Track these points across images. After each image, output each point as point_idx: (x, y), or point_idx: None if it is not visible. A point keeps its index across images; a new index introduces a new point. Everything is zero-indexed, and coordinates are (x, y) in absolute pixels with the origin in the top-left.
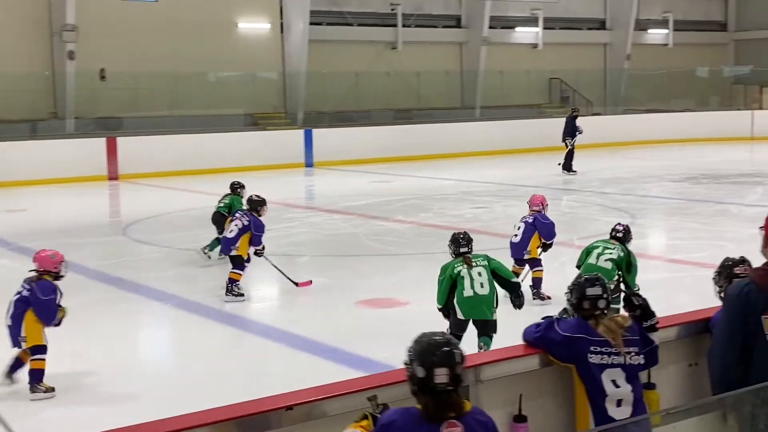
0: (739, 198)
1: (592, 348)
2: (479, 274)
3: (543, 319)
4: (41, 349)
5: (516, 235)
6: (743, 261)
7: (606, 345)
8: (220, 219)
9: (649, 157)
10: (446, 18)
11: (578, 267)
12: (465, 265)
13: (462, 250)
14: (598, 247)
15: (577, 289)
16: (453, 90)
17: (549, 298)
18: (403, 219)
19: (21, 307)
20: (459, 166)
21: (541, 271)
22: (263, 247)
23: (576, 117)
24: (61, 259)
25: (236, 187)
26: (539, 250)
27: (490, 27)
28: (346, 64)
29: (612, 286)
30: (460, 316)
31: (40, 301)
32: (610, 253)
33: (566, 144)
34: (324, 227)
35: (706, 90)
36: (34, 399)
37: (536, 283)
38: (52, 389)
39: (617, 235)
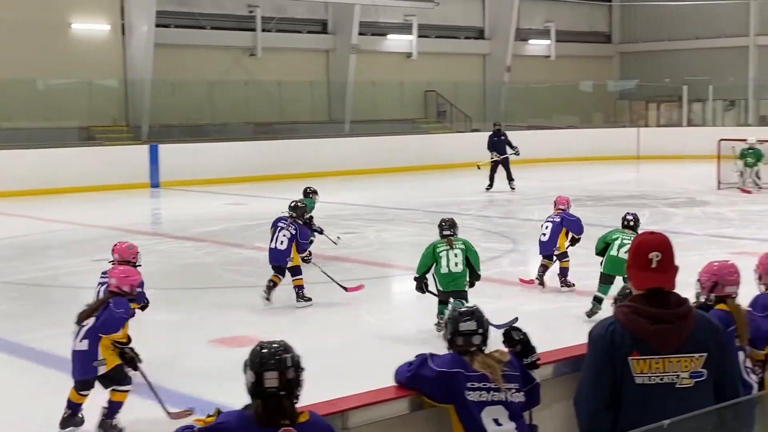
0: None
1: (469, 384)
2: (455, 255)
3: (416, 357)
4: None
5: (544, 234)
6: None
7: (484, 380)
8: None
9: (531, 177)
10: (311, 22)
11: (598, 254)
12: (447, 246)
13: (445, 233)
14: (617, 237)
15: (451, 323)
16: (319, 102)
17: (573, 285)
18: (262, 246)
19: (95, 332)
20: (326, 187)
21: (568, 261)
22: (310, 253)
23: (499, 131)
24: (137, 250)
25: (309, 193)
26: (567, 244)
27: (360, 33)
28: (198, 72)
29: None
30: (439, 287)
31: (114, 313)
32: (629, 244)
33: (513, 154)
34: (173, 256)
35: (590, 105)
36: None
37: (563, 272)
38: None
39: (630, 224)
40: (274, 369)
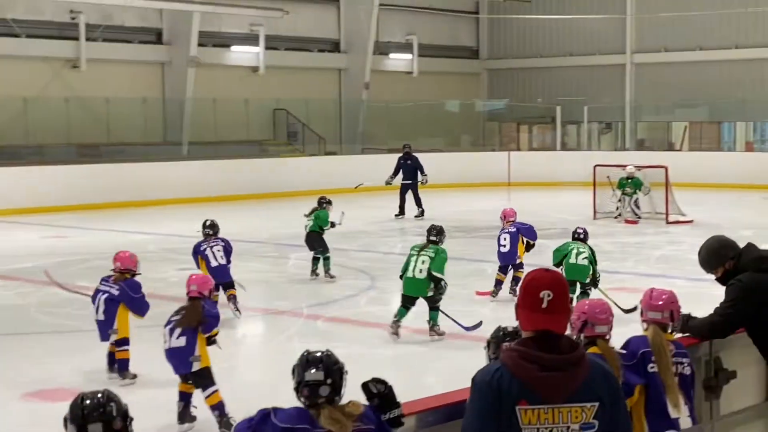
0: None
1: None
2: (422, 261)
3: (258, 411)
4: (126, 341)
5: (504, 246)
6: (516, 333)
7: None
8: (316, 238)
9: (392, 206)
10: (143, 31)
11: (556, 265)
12: (417, 251)
13: (431, 237)
14: (573, 248)
15: (296, 370)
16: (153, 121)
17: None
18: (86, 286)
19: (112, 304)
20: (161, 217)
21: (523, 272)
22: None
23: (408, 154)
24: (137, 258)
25: (323, 203)
26: (524, 253)
27: (200, 45)
28: (10, 86)
29: (589, 280)
30: (402, 290)
31: (133, 297)
32: (584, 252)
33: (389, 181)
34: None
35: (456, 127)
36: (123, 385)
37: (517, 280)
38: (135, 376)
39: (580, 236)
40: (97, 421)
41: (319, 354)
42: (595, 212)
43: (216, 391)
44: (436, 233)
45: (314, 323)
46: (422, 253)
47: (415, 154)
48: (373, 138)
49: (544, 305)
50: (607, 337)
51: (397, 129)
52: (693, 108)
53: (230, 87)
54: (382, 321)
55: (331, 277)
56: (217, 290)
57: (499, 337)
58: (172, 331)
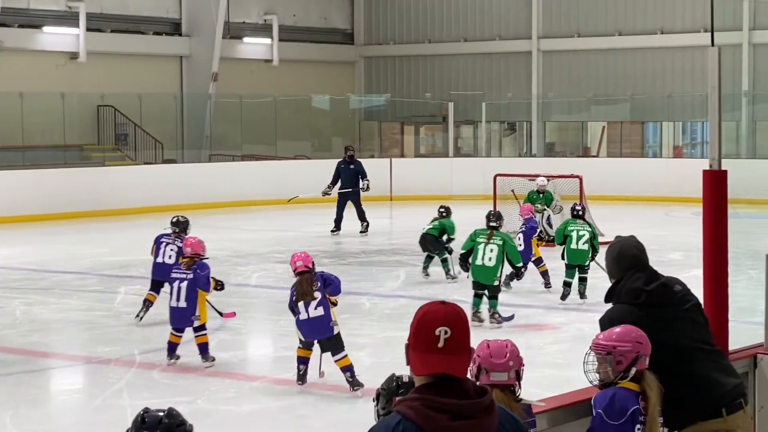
0: (375, 286)
1: None
2: (491, 249)
3: None
4: (204, 326)
5: (520, 245)
6: (412, 384)
7: None
8: (432, 240)
9: (245, 226)
10: None
11: (560, 244)
12: (485, 239)
13: (490, 224)
14: (572, 230)
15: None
16: None
17: (551, 286)
18: None
19: (192, 289)
20: None
21: (545, 265)
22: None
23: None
24: (204, 244)
25: (442, 212)
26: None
27: (2, 25)
28: None
29: (588, 263)
30: (470, 277)
31: (200, 276)
32: (585, 235)
33: (326, 191)
34: None
35: (326, 128)
36: (208, 367)
37: (544, 275)
38: (214, 359)
39: (579, 213)
40: None
41: (159, 414)
42: None
43: (346, 354)
44: (495, 218)
45: (150, 373)
46: (490, 241)
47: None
48: (223, 142)
49: (441, 344)
50: (513, 386)
51: (253, 131)
52: (611, 105)
53: (42, 78)
54: (234, 370)
55: (453, 278)
56: (155, 290)
57: (392, 388)
58: (307, 304)
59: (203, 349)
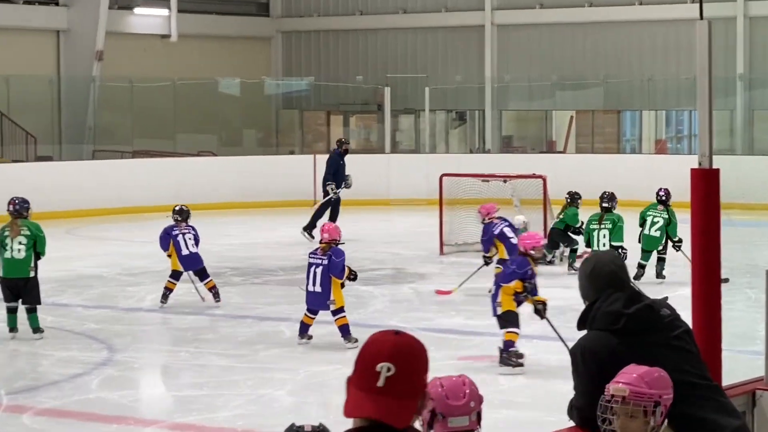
0: (297, 310)
1: None
2: (603, 236)
3: None
4: (343, 309)
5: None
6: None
7: None
8: (559, 234)
9: (137, 237)
10: None
11: (640, 226)
12: (597, 224)
13: (603, 204)
14: (649, 215)
15: None
16: None
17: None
18: None
19: (327, 275)
20: None
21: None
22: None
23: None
24: (341, 230)
25: (567, 199)
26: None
27: None
28: None
29: (661, 247)
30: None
31: (335, 262)
32: (658, 222)
33: (327, 191)
34: None
35: (236, 118)
36: (351, 347)
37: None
38: (356, 340)
39: (662, 198)
40: None
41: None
42: (442, 244)
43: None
44: (608, 199)
45: (19, 418)
46: (602, 226)
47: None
48: (110, 135)
49: (380, 383)
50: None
51: (146, 122)
52: (581, 90)
53: None
54: (124, 413)
55: (575, 269)
56: (175, 278)
57: None
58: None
59: (344, 330)
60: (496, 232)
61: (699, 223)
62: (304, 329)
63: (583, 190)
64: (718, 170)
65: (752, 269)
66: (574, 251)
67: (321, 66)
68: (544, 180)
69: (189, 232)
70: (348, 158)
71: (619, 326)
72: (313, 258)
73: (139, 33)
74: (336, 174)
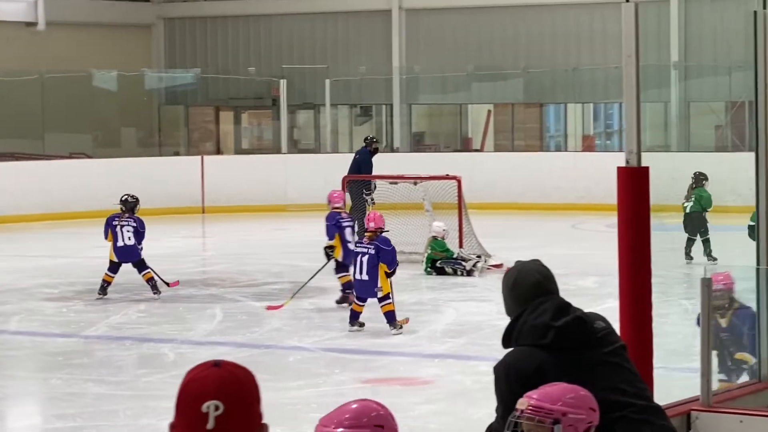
0: (183, 330)
1: None
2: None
3: None
4: (389, 295)
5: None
6: None
7: None
8: (699, 219)
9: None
10: None
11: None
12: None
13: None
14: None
15: None
16: None
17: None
18: None
19: (374, 263)
20: None
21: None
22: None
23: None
24: (384, 219)
25: (702, 179)
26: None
27: None
28: None
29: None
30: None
31: (386, 250)
32: (689, 206)
33: (366, 199)
34: None
35: (114, 115)
36: (396, 333)
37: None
38: (407, 320)
39: (701, 178)
40: None
41: None
42: None
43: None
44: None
45: None
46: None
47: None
48: None
49: (210, 425)
50: None
51: (10, 120)
52: (499, 82)
53: None
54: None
55: (714, 259)
56: (112, 271)
57: None
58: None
59: (390, 317)
60: (344, 224)
61: (626, 227)
62: (354, 317)
63: (503, 193)
64: (647, 168)
65: (687, 278)
66: (707, 241)
67: (208, 57)
68: (459, 181)
69: (128, 224)
70: (239, 159)
71: (547, 341)
72: (360, 247)
73: (0, 20)
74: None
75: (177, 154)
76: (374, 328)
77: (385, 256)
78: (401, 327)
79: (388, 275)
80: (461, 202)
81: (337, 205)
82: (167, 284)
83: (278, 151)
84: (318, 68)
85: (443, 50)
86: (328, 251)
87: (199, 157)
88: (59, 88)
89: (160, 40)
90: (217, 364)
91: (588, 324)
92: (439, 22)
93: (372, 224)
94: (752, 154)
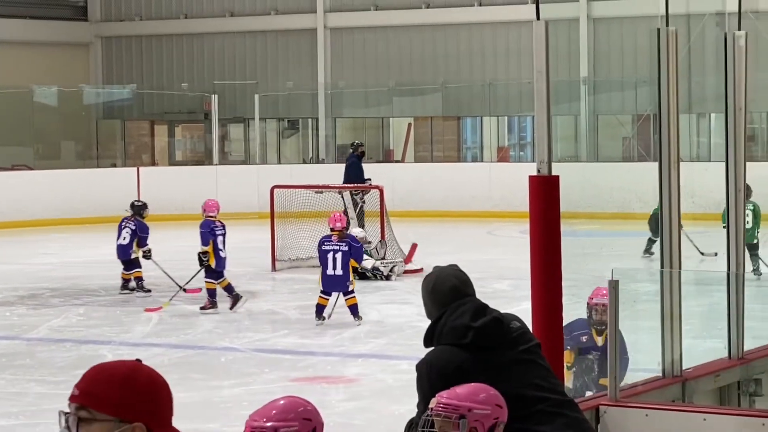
0: (120, 332)
1: None
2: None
3: None
4: (353, 290)
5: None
6: None
7: None
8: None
9: None
10: None
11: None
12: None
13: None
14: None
15: None
16: None
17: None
18: None
19: (347, 259)
20: None
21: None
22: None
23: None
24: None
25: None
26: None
27: None
28: None
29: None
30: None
31: (357, 248)
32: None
33: (356, 201)
34: None
35: (54, 129)
36: (357, 324)
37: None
38: (362, 318)
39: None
40: None
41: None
42: (274, 260)
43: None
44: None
45: None
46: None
47: None
48: None
49: None
50: None
51: None
52: (419, 96)
53: None
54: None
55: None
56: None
57: None
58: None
59: (354, 309)
60: (217, 233)
61: (538, 233)
62: (320, 311)
63: (422, 202)
64: (557, 177)
65: (598, 281)
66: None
67: (144, 73)
68: (381, 191)
69: (128, 226)
70: (173, 170)
71: (467, 340)
72: (329, 245)
73: None
74: (357, 179)
75: (114, 165)
76: (302, 330)
77: (357, 252)
78: (361, 318)
79: (354, 270)
80: (383, 210)
81: (211, 214)
82: (184, 290)
83: (210, 162)
84: (248, 84)
85: (366, 67)
86: (202, 257)
87: (135, 169)
88: (1, 103)
89: (98, 57)
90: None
91: (504, 324)
92: (362, 40)
93: (339, 224)
94: (656, 164)
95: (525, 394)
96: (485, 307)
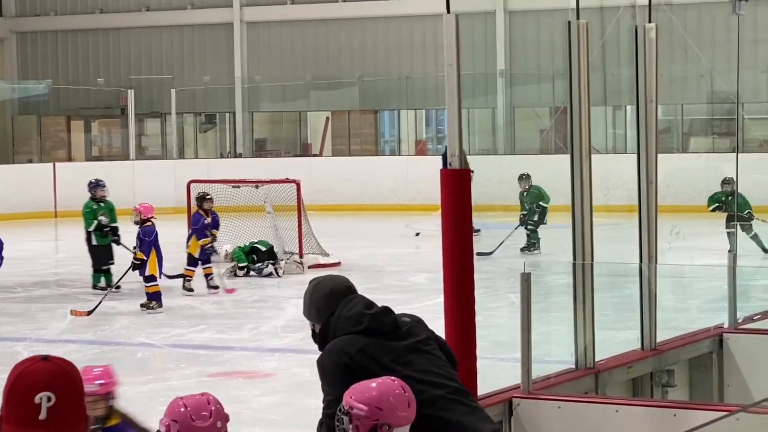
0: (35, 329)
1: None
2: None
3: None
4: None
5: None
6: None
7: None
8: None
9: None
10: None
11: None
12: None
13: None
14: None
15: None
16: None
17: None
18: None
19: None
20: None
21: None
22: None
23: None
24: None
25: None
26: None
27: None
28: None
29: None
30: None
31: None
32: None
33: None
34: None
35: None
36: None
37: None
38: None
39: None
40: None
41: None
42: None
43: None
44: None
45: None
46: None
47: None
48: None
49: (43, 416)
50: None
51: None
52: (336, 90)
53: None
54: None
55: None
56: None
57: None
58: None
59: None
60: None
61: (450, 227)
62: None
63: (340, 195)
64: (468, 171)
65: (513, 273)
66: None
67: (60, 68)
68: (298, 185)
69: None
70: (89, 166)
71: (364, 326)
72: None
73: None
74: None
75: (30, 161)
76: (219, 325)
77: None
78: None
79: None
80: (300, 204)
81: (150, 217)
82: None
83: (127, 157)
84: (164, 78)
85: (283, 61)
86: (134, 260)
87: (52, 165)
88: None
89: (13, 52)
90: (45, 358)
91: (396, 315)
92: (279, 34)
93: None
94: None
95: (425, 379)
96: (373, 302)
